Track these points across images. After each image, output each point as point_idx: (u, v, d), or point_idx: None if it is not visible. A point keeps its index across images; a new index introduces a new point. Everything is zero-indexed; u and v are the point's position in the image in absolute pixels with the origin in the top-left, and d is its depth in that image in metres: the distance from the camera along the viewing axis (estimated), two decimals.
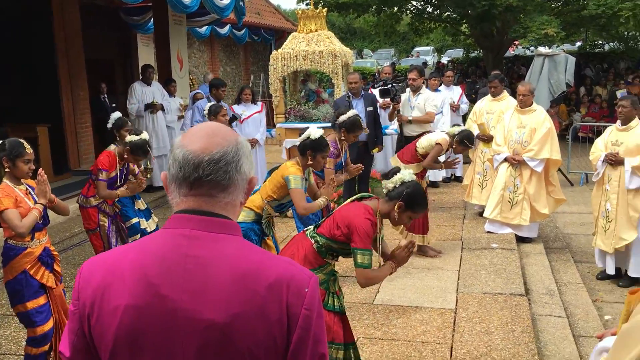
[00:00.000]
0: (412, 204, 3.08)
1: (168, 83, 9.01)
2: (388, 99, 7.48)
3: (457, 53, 22.88)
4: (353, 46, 33.81)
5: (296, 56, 7.82)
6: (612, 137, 5.51)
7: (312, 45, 7.88)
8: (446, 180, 9.02)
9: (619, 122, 5.52)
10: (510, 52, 20.28)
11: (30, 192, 3.56)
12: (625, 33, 14.90)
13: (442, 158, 5.85)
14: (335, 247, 3.11)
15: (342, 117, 5.19)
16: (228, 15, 9.15)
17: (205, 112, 6.17)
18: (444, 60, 24.49)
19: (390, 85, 7.37)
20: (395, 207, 3.07)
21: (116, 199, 5.02)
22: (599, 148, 5.58)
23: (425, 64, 19.91)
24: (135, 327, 1.20)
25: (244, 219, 4.09)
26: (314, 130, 4.06)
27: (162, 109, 8.50)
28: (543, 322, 4.48)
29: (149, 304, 1.20)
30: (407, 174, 3.16)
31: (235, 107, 7.93)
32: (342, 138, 5.18)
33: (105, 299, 1.23)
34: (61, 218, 5.73)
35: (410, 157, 5.66)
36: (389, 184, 3.15)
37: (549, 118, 6.32)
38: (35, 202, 3.50)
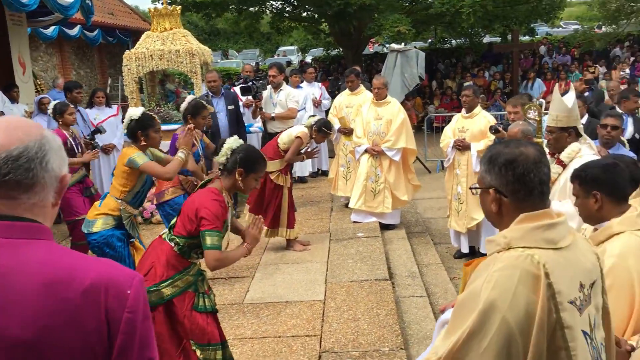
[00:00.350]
0: (251, 165, 3.08)
1: (9, 89, 8.19)
2: (251, 97, 7.44)
3: (321, 52, 23.41)
4: (218, 47, 33.36)
5: (151, 56, 7.50)
6: (459, 125, 5.91)
7: (168, 44, 7.61)
8: (313, 175, 9.15)
9: (464, 110, 5.93)
10: (370, 49, 21.10)
11: None
12: (469, 29, 16.10)
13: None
14: (197, 243, 3.00)
15: (183, 105, 5.10)
16: (74, 15, 8.51)
17: (50, 111, 5.67)
18: (308, 59, 24.94)
19: (250, 83, 7.32)
20: (237, 175, 3.05)
21: None
22: (448, 135, 5.97)
23: (289, 62, 20.13)
24: None
25: (103, 226, 3.84)
26: (133, 111, 3.92)
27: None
28: (406, 303, 4.68)
29: None
30: (232, 141, 3.14)
31: (88, 111, 7.43)
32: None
33: None
34: None
35: (272, 154, 5.64)
36: (221, 159, 3.10)
37: (403, 109, 6.63)
38: None
